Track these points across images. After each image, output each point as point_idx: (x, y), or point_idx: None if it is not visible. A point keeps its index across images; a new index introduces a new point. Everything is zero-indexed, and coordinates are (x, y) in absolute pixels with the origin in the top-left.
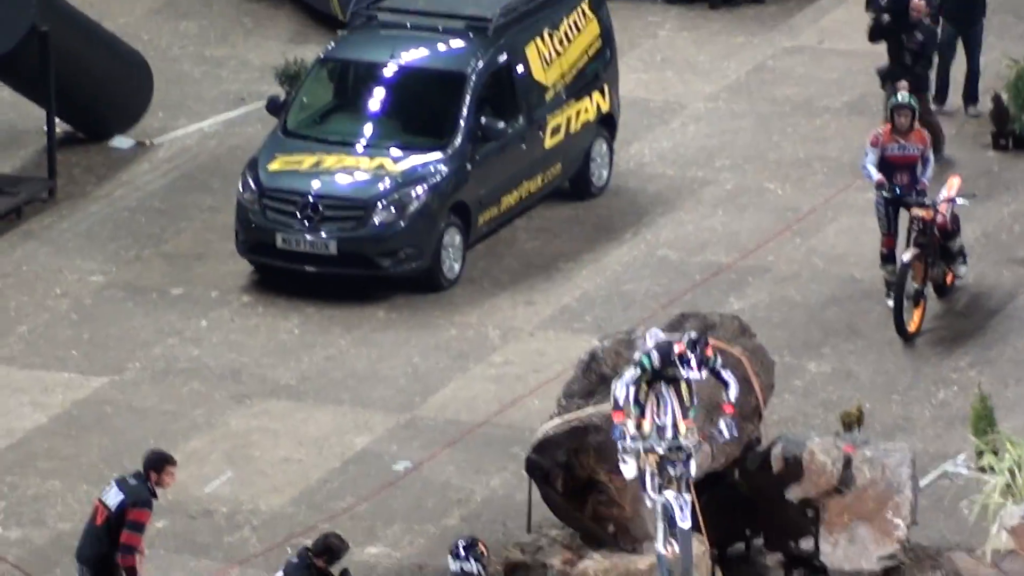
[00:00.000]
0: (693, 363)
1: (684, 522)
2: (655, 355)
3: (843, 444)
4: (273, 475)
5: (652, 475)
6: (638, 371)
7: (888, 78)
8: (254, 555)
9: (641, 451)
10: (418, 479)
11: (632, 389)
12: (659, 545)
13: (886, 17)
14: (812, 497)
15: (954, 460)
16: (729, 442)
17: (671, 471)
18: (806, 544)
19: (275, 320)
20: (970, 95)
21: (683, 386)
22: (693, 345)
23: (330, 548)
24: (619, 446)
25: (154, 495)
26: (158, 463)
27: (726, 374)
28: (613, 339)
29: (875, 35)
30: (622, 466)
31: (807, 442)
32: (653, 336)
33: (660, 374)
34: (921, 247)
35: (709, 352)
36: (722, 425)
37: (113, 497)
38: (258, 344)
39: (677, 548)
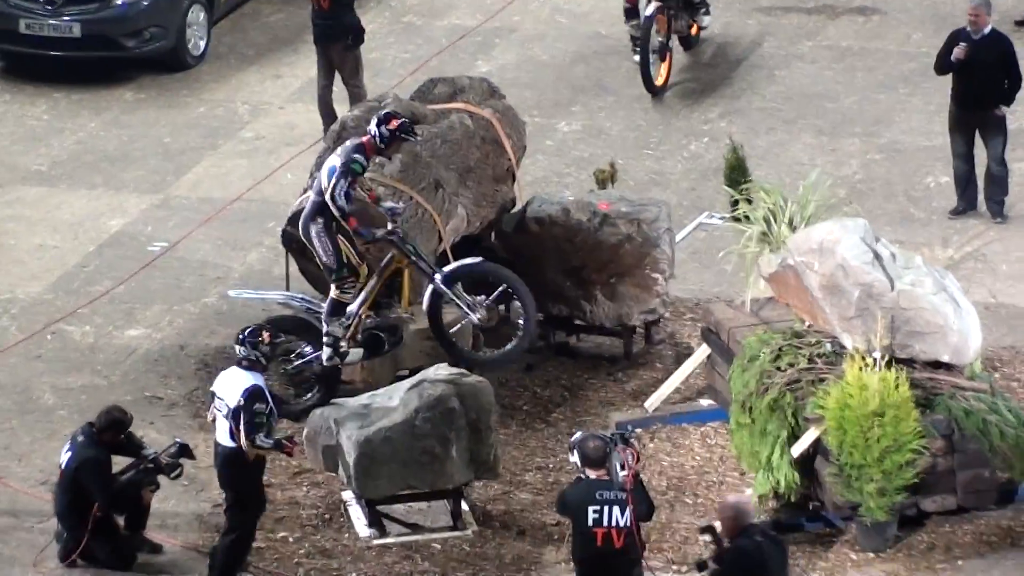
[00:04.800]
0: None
1: (476, 259)
2: (359, 156)
3: (598, 201)
4: (29, 262)
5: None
6: (350, 178)
7: None
8: (14, 343)
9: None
10: (175, 259)
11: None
12: (475, 315)
13: None
14: (569, 256)
15: (709, 212)
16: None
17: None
18: (566, 304)
19: (22, 107)
20: None
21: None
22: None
23: (115, 422)
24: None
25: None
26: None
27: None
28: (363, 108)
29: None
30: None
31: (562, 201)
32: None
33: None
34: (663, 0)
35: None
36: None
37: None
38: (7, 131)
39: (485, 307)
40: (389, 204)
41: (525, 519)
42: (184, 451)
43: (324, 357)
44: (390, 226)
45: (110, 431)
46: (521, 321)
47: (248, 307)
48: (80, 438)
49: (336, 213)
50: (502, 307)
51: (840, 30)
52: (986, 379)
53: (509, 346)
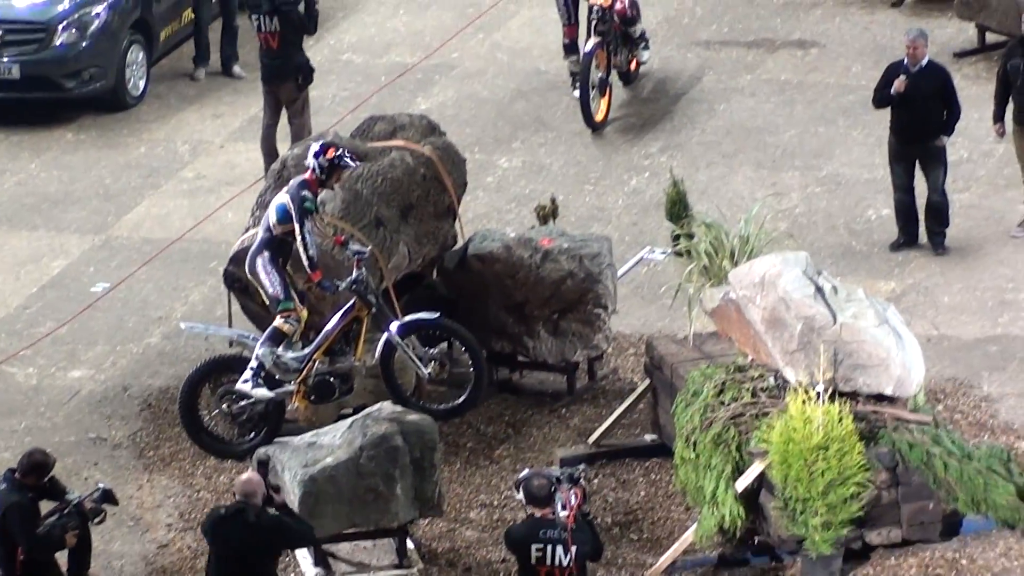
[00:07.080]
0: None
1: (433, 314)
2: (307, 194)
3: (539, 237)
4: None
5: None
6: (310, 222)
7: None
8: None
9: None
10: (117, 299)
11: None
12: (426, 369)
13: None
14: (511, 293)
15: (651, 247)
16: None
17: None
18: (509, 340)
19: None
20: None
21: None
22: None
23: (37, 465)
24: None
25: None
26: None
27: None
28: (303, 146)
29: None
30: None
31: (503, 238)
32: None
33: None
34: (602, 35)
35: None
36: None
37: None
38: None
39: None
40: (356, 247)
41: (471, 556)
42: (107, 496)
43: (240, 380)
44: (355, 274)
45: (32, 475)
46: (470, 382)
47: (192, 347)
48: (2, 485)
49: (306, 264)
50: (444, 345)
51: (779, 63)
52: (929, 411)
53: (460, 400)
